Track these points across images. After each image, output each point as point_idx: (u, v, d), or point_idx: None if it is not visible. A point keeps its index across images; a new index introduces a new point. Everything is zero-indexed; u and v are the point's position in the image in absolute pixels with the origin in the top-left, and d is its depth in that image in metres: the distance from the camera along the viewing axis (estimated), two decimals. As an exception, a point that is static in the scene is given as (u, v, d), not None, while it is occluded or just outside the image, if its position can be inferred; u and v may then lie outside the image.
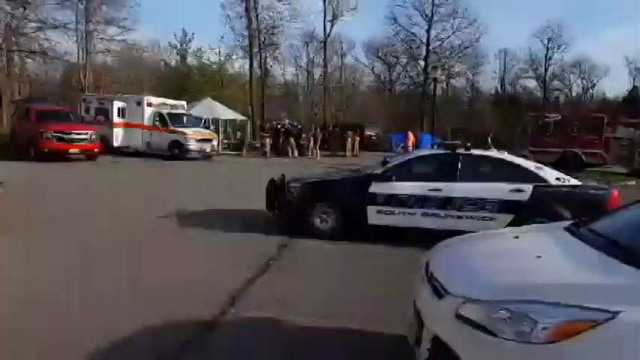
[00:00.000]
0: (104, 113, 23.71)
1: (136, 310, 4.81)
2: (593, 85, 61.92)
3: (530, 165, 8.16)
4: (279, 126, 30.37)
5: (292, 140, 27.82)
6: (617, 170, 22.81)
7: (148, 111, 23.48)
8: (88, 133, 19.72)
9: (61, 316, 4.63)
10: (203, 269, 6.38)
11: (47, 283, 5.56)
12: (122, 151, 23.12)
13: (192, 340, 4.24)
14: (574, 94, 62.57)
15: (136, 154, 23.15)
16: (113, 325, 4.37)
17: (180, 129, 22.80)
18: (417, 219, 7.85)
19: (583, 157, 23.44)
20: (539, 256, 3.16)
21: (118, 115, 23.52)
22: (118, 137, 23.48)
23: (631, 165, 22.91)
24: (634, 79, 59.03)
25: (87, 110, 24.23)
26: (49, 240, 7.47)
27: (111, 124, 23.25)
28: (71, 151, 19.10)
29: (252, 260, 6.67)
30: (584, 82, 62.02)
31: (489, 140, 26.61)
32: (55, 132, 18.70)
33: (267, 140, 27.91)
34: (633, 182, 19.44)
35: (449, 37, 52.38)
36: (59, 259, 6.53)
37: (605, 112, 27.41)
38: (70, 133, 19.16)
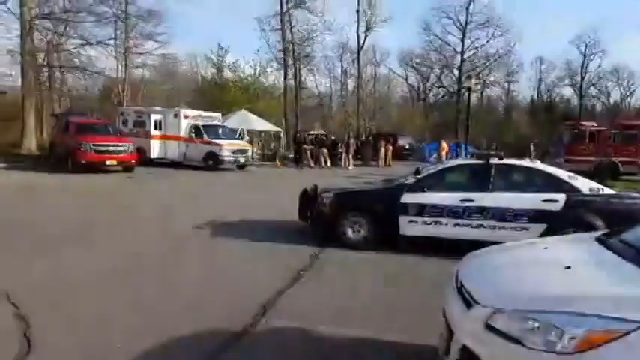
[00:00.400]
0: (141, 125, 24.24)
1: (167, 319, 4.86)
2: (632, 92, 60.56)
3: (563, 174, 8.06)
4: (313, 136, 30.43)
5: (325, 150, 27.81)
6: None
7: (185, 123, 23.86)
8: (125, 146, 20.11)
9: (92, 321, 4.75)
10: (235, 279, 6.43)
11: (80, 289, 5.69)
12: (158, 163, 23.55)
13: (222, 350, 4.25)
14: (612, 101, 61.44)
15: (172, 165, 23.54)
16: (143, 334, 4.44)
17: (215, 140, 23.10)
18: (449, 229, 7.81)
19: (619, 166, 23.13)
20: (569, 267, 3.14)
21: (155, 128, 24.00)
22: (154, 149, 23.96)
23: None
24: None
25: (124, 123, 24.83)
26: (88, 250, 7.59)
27: (148, 137, 23.77)
28: (108, 163, 19.44)
29: (284, 270, 6.68)
30: (622, 89, 60.81)
31: (532, 148, 26.04)
32: (93, 144, 19.10)
33: (308, 153, 27.84)
34: None
35: (483, 45, 52.25)
36: (99, 266, 6.64)
37: None
38: (108, 146, 19.56)
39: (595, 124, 26.31)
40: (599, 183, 8.27)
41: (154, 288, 5.86)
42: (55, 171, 19.08)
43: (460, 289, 3.30)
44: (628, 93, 60.70)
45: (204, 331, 4.58)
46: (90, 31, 29.99)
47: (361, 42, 44.88)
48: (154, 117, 24.20)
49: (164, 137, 24.11)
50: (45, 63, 30.90)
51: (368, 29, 44.60)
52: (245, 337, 4.53)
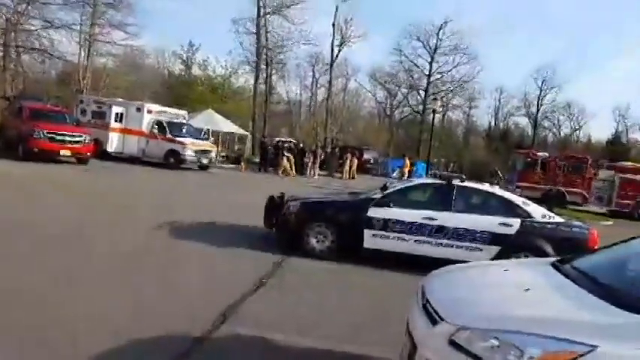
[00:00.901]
0: (101, 116, 23.21)
1: (125, 325, 4.60)
2: (581, 127, 64.54)
3: (518, 200, 8.49)
4: (283, 143, 29.87)
5: (292, 158, 27.23)
6: (595, 210, 24.69)
7: (147, 118, 23.03)
8: (82, 136, 19.09)
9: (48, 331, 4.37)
10: (196, 284, 6.20)
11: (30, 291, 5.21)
12: (115, 157, 22.56)
13: (180, 356, 4.11)
14: (562, 134, 65.35)
15: (128, 160, 22.62)
16: (101, 340, 4.21)
17: (178, 138, 22.38)
18: (410, 245, 7.96)
19: (566, 194, 24.92)
20: (528, 289, 3.34)
21: (116, 120, 23.01)
22: (112, 142, 22.95)
23: (609, 205, 24.74)
24: (617, 123, 62.18)
25: (83, 112, 23.67)
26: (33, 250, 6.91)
27: (107, 128, 22.75)
28: (62, 152, 18.44)
29: (246, 277, 6.53)
30: (573, 123, 64.69)
31: (499, 173, 26.99)
32: (47, 132, 18.04)
33: (285, 160, 26.79)
34: (610, 222, 20.77)
35: (450, 70, 53.83)
36: (48, 271, 6.02)
37: (589, 154, 29.99)
38: (64, 135, 18.52)
39: (547, 154, 28.08)
40: (547, 210, 8.74)
41: (111, 292, 5.54)
42: (3, 157, 17.98)
43: (425, 306, 3.37)
44: (577, 127, 64.78)
45: (162, 337, 4.43)
46: (54, 13, 28.57)
47: (335, 54, 44.65)
48: (116, 109, 23.19)
49: (124, 131, 23.13)
50: (1, 42, 29.25)
51: (342, 43, 44.44)
52: (205, 344, 4.41)
